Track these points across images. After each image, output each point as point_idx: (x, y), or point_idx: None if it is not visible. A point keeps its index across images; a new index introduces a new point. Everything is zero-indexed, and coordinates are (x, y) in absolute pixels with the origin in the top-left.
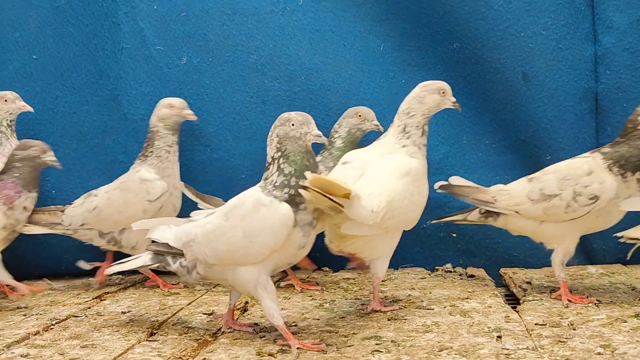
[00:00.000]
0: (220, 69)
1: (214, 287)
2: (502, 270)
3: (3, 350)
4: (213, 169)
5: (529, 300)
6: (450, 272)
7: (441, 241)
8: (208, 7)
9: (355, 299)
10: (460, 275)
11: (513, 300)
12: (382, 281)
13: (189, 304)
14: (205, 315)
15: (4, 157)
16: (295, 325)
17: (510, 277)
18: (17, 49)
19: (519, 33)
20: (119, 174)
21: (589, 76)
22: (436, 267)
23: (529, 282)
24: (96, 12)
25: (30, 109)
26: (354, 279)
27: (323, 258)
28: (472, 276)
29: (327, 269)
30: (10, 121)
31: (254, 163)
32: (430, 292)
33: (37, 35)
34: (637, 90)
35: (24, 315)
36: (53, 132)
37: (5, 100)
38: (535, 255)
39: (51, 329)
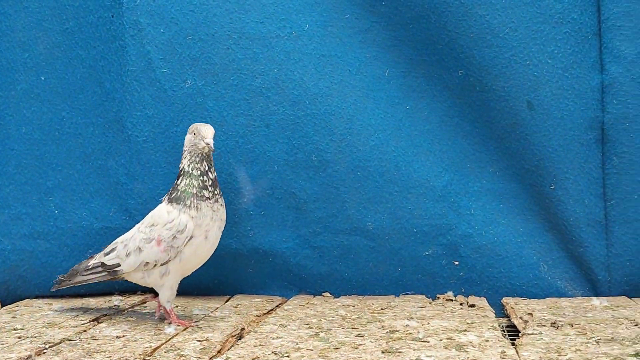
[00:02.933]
0: (224, 93)
1: (210, 312)
2: (504, 300)
3: None
4: None
5: (529, 334)
6: (452, 300)
7: (443, 269)
8: (214, 30)
9: (353, 328)
10: (461, 304)
11: (514, 332)
12: (382, 309)
13: (184, 329)
14: (199, 342)
15: None
16: (288, 356)
17: (512, 308)
18: (26, 70)
19: (525, 61)
20: (122, 196)
21: (596, 105)
22: (437, 295)
23: (530, 314)
24: (104, 35)
25: None
26: (353, 306)
27: (324, 283)
28: (472, 305)
29: (328, 294)
30: None
31: (256, 187)
32: (429, 323)
33: (46, 57)
34: None
35: (19, 338)
36: (58, 152)
37: None
38: (538, 285)
39: (44, 353)
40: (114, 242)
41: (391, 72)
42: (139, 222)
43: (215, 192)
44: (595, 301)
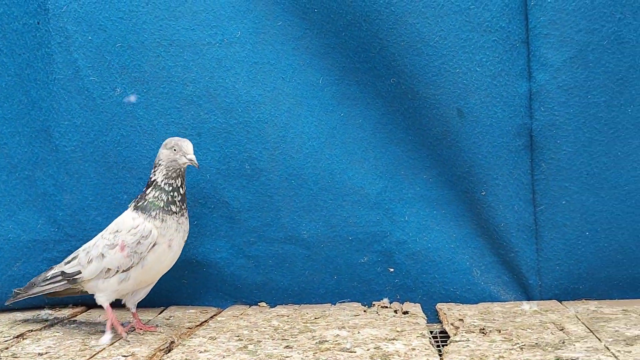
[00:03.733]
0: (154, 101)
1: (143, 324)
2: (438, 306)
3: None
4: None
5: (456, 341)
6: (387, 307)
7: (378, 276)
8: (144, 38)
9: (283, 339)
10: (395, 311)
11: (446, 338)
12: (315, 318)
13: (111, 344)
14: (124, 358)
15: None
16: None
17: (444, 314)
18: None
19: (454, 69)
20: (50, 207)
21: (524, 113)
22: (373, 303)
23: (461, 319)
24: (29, 42)
25: None
26: (288, 316)
27: (260, 292)
28: (406, 312)
29: (264, 304)
30: None
31: (188, 196)
32: (359, 332)
33: None
34: (571, 127)
35: None
36: None
37: None
38: (471, 290)
39: None
40: (75, 251)
41: (325, 80)
42: (68, 234)
43: (183, 206)
44: (525, 306)
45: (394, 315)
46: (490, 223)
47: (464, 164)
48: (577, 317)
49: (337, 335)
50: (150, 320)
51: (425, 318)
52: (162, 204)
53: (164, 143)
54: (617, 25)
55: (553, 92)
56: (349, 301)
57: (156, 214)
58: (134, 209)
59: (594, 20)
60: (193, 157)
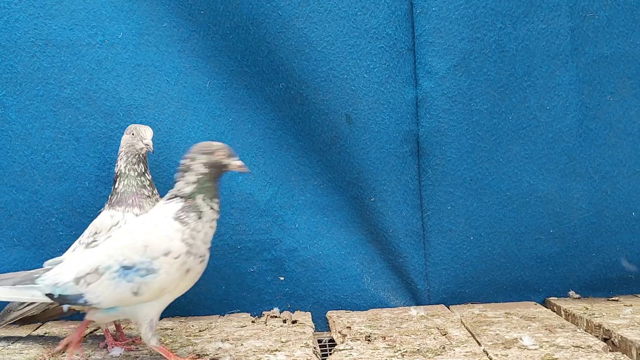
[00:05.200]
0: (28, 104)
1: (11, 344)
2: (328, 314)
3: None
4: (18, 212)
5: (340, 350)
6: (276, 317)
7: (269, 285)
8: (17, 37)
9: (160, 355)
10: (284, 321)
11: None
12: (200, 331)
13: None
14: None
15: None
16: None
17: (334, 321)
18: None
19: (342, 75)
20: None
21: (411, 119)
22: (263, 312)
23: (349, 327)
24: None
25: None
26: (172, 329)
27: None
28: (295, 322)
29: None
30: None
31: (65, 205)
32: (242, 344)
33: None
34: (455, 134)
35: None
36: None
37: None
38: (361, 297)
39: None
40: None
41: (212, 83)
42: None
43: (154, 191)
44: (413, 311)
45: (281, 325)
46: (379, 229)
47: (353, 170)
48: (461, 322)
49: (219, 348)
50: (22, 337)
51: (313, 327)
52: (134, 189)
53: (125, 130)
54: (498, 35)
55: (438, 99)
56: (238, 312)
57: (132, 200)
58: (109, 207)
59: (476, 29)
60: (150, 142)
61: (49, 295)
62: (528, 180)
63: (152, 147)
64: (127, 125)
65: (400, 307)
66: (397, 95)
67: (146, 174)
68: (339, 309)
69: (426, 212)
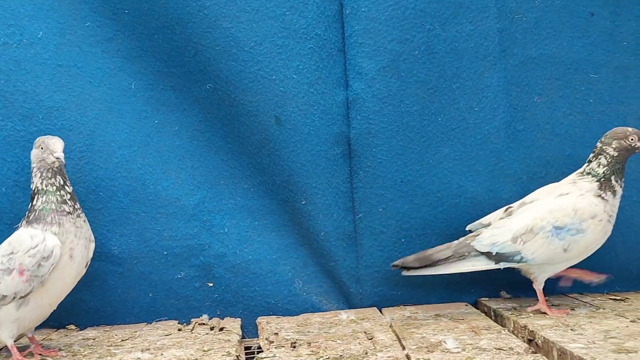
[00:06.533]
0: None
1: None
2: (258, 320)
3: None
4: None
5: (262, 358)
6: (204, 324)
7: (197, 291)
8: None
9: None
10: (211, 328)
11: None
12: (123, 340)
13: None
14: None
15: None
16: None
17: (262, 328)
18: None
19: (271, 76)
20: None
21: (342, 121)
22: (192, 320)
23: (277, 333)
24: None
25: None
26: (94, 339)
27: (67, 314)
28: (222, 329)
29: (73, 326)
30: None
31: None
32: (162, 354)
33: None
34: (385, 136)
35: None
36: None
37: None
38: (293, 302)
39: None
40: None
41: (138, 85)
42: None
43: (76, 206)
44: (343, 315)
45: (207, 333)
46: (311, 232)
47: (284, 172)
48: (390, 325)
49: (138, 358)
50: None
51: (240, 334)
52: (53, 206)
53: (34, 143)
54: (427, 36)
55: (369, 100)
56: (165, 319)
57: (51, 218)
58: (27, 225)
59: (406, 31)
60: (61, 154)
61: (487, 254)
62: (458, 181)
63: (63, 159)
64: (48, 128)
65: (332, 312)
66: (328, 96)
67: (66, 186)
68: (270, 315)
69: (358, 215)
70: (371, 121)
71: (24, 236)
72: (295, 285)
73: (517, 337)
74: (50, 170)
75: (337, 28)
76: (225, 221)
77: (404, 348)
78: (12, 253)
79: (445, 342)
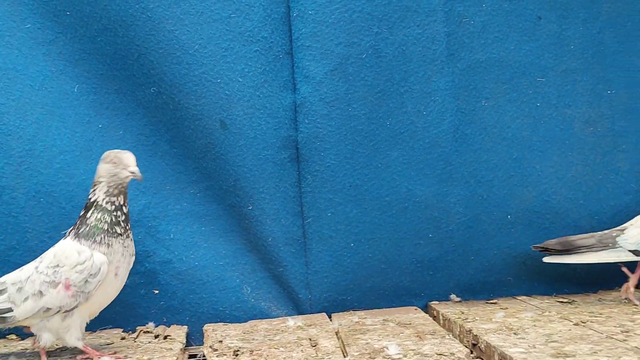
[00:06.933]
0: None
1: None
2: (205, 327)
3: None
4: None
5: None
6: (149, 332)
7: (142, 299)
8: None
9: None
10: (156, 337)
11: None
12: (62, 350)
13: None
14: None
15: None
16: None
17: (208, 335)
18: None
19: (216, 79)
20: None
21: (289, 125)
22: (137, 328)
23: (221, 341)
24: None
25: None
26: (33, 349)
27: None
28: (167, 337)
29: (14, 336)
30: None
31: None
32: None
33: None
34: (334, 140)
35: None
36: None
37: None
38: (241, 308)
39: None
40: None
41: (80, 88)
42: None
43: (127, 227)
44: (291, 322)
45: (150, 342)
46: (259, 238)
47: (230, 177)
48: (337, 331)
49: None
50: None
51: (184, 342)
52: (105, 226)
53: (102, 157)
54: (374, 39)
55: (316, 104)
56: (110, 327)
57: (101, 238)
58: (75, 238)
59: (353, 34)
60: (135, 169)
61: (634, 252)
62: (406, 185)
63: (139, 173)
64: None
65: (280, 318)
66: (274, 100)
67: (123, 207)
68: (218, 322)
69: (307, 220)
70: (319, 125)
71: (71, 250)
72: (243, 292)
73: (462, 341)
74: (119, 187)
75: (284, 31)
76: (171, 227)
77: (345, 355)
78: (57, 266)
79: (388, 348)
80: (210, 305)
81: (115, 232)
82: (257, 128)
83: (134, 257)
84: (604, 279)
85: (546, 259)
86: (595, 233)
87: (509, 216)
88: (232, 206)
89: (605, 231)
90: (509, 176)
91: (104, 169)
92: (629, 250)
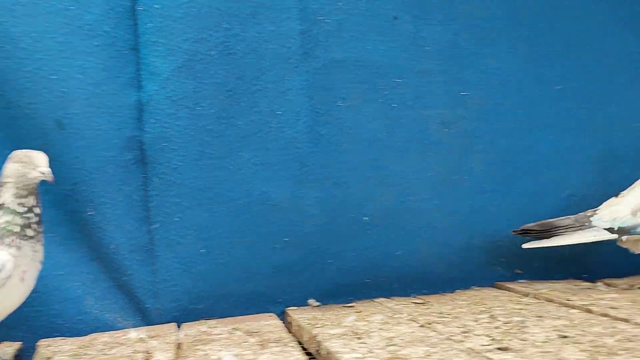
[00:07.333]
0: None
1: None
2: (39, 343)
3: None
4: None
5: None
6: None
7: None
8: None
9: None
10: None
11: None
12: None
13: None
14: None
15: None
16: None
17: (39, 352)
18: None
19: (51, 75)
20: None
21: (133, 124)
22: None
23: (49, 358)
24: None
25: None
26: None
27: None
28: None
29: None
30: None
31: None
32: None
33: None
34: (181, 140)
35: None
36: None
37: None
38: (83, 321)
39: None
40: None
41: None
42: None
43: (39, 230)
44: (133, 334)
45: None
46: (101, 245)
47: (68, 180)
48: (178, 343)
49: None
50: None
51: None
52: (17, 229)
53: (9, 157)
54: (224, 36)
55: (162, 102)
56: None
57: (11, 241)
58: None
59: (202, 30)
60: (46, 169)
61: (609, 230)
62: (260, 187)
63: (50, 174)
64: None
65: (123, 330)
66: (118, 98)
67: (35, 209)
68: (57, 336)
69: (153, 225)
70: (166, 125)
71: None
72: (85, 303)
73: (310, 348)
74: (28, 188)
75: (129, 25)
76: None
77: None
78: None
79: (223, 359)
80: (47, 319)
81: (27, 235)
82: (97, 128)
83: (42, 264)
84: (461, 279)
85: (525, 245)
86: (571, 215)
87: (365, 218)
88: (72, 212)
89: (580, 213)
90: (366, 177)
91: (11, 168)
92: (604, 229)
